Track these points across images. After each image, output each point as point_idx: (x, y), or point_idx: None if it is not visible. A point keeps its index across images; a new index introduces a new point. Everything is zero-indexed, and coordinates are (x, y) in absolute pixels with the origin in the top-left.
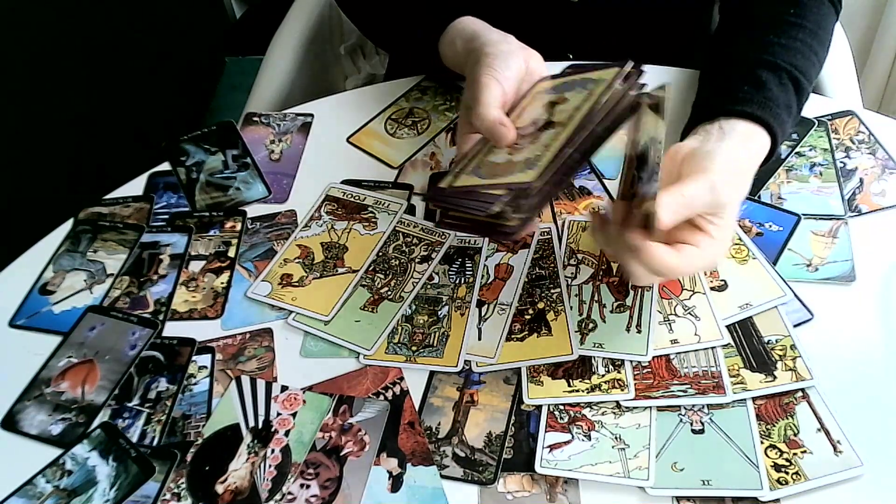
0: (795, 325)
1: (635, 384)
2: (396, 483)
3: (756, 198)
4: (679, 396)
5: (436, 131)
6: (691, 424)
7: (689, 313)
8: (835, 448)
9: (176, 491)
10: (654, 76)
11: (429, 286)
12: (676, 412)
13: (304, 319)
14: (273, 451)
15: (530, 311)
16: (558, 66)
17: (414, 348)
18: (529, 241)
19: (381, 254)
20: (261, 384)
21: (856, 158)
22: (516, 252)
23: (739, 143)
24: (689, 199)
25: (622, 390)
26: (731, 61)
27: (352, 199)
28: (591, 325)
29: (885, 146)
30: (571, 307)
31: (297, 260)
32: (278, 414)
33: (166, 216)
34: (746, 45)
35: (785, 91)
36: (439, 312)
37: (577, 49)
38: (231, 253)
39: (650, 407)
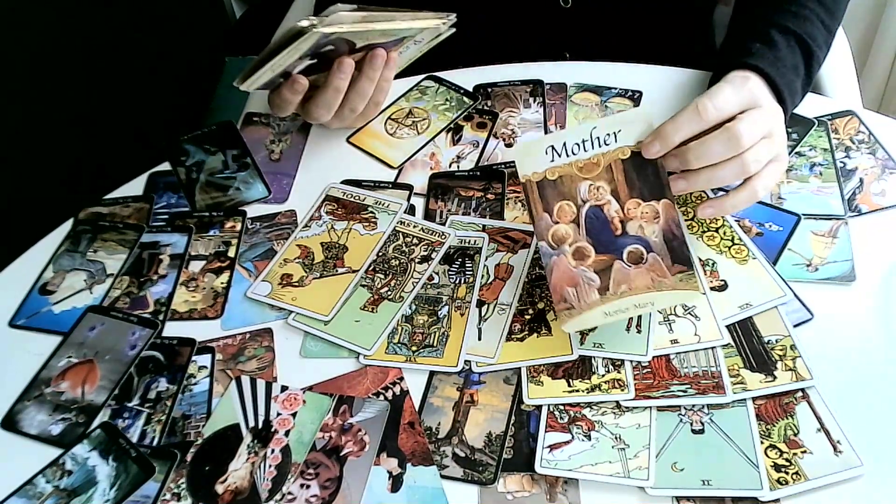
0: (795, 325)
1: (635, 384)
2: (396, 483)
3: None
4: (679, 396)
5: (436, 131)
6: (691, 424)
7: (689, 313)
8: (835, 448)
9: (176, 491)
10: (651, 76)
11: (429, 286)
12: (676, 412)
13: (304, 319)
14: (273, 451)
15: (530, 311)
16: (556, 67)
17: (414, 348)
18: (529, 241)
19: (381, 254)
20: (261, 384)
21: (856, 158)
22: (516, 252)
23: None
24: (674, 124)
25: (622, 390)
26: (744, 25)
27: (352, 199)
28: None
29: (885, 146)
30: None
31: (297, 260)
32: (278, 414)
33: (166, 216)
34: (759, 12)
35: (793, 53)
36: (439, 312)
37: (573, 49)
38: (231, 253)
39: (650, 407)
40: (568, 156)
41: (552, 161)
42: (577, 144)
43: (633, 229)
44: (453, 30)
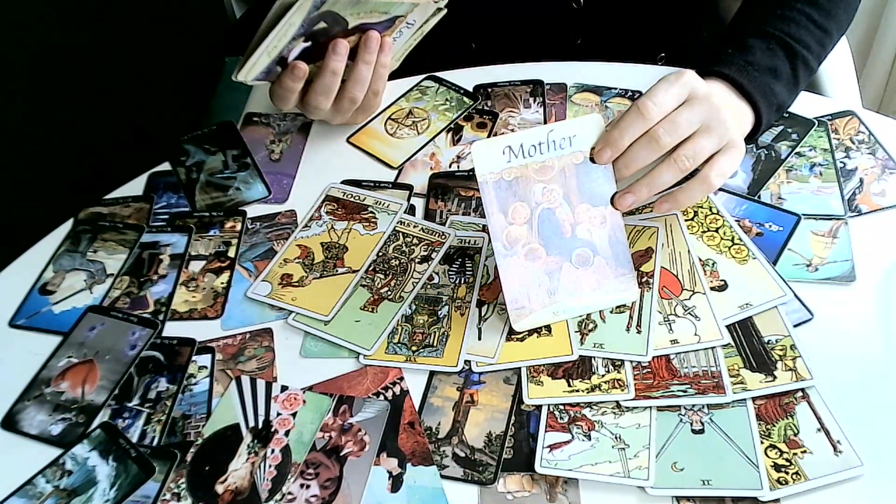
0: (795, 325)
1: (635, 384)
2: (396, 483)
3: (756, 198)
4: (679, 396)
5: (436, 131)
6: (691, 424)
7: (689, 313)
8: (835, 448)
9: (176, 491)
10: (651, 76)
11: (429, 286)
12: (676, 412)
13: (304, 319)
14: (273, 451)
15: None
16: (556, 67)
17: (414, 348)
18: None
19: (381, 254)
20: (261, 384)
21: (856, 158)
22: None
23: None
24: (619, 128)
25: (622, 390)
26: (728, 32)
27: (352, 199)
28: (591, 326)
29: (885, 146)
30: None
31: (297, 260)
32: (278, 414)
33: (166, 216)
34: (745, 16)
35: (771, 55)
36: (439, 312)
37: (584, 49)
38: (231, 253)
39: (650, 407)
40: (524, 157)
41: (509, 162)
42: (534, 146)
43: (581, 233)
44: (444, 11)
